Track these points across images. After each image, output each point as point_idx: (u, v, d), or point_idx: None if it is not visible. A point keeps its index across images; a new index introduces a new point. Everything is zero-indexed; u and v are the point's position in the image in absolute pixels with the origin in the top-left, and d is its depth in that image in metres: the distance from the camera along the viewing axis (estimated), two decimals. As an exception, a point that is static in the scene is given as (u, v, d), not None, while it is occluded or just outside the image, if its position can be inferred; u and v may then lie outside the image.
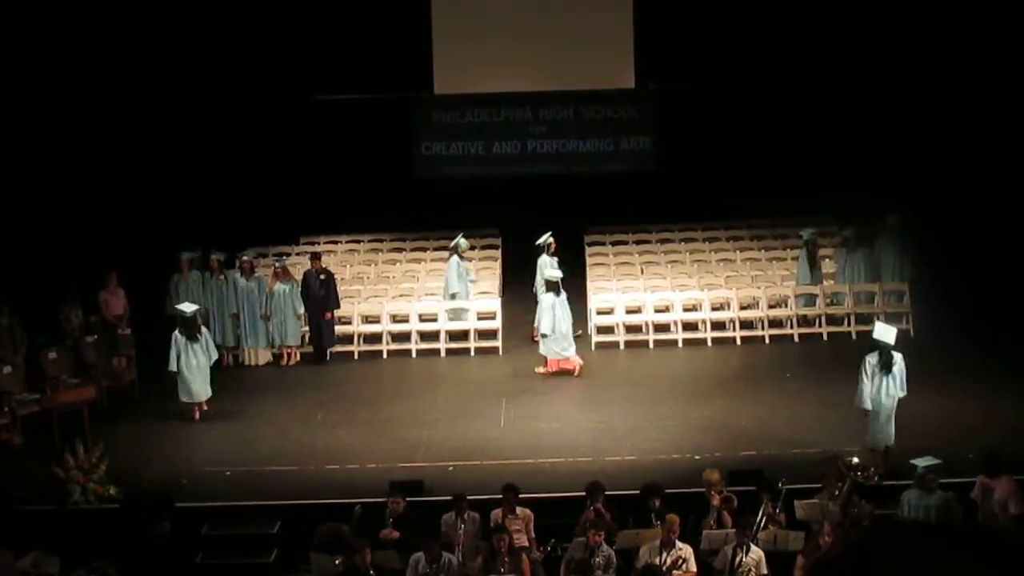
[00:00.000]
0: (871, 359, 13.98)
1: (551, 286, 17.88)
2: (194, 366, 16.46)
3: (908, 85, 21.84)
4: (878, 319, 16.53)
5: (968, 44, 21.17)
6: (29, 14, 20.64)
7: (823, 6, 21.85)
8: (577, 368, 17.77)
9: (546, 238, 19.55)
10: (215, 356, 17.11)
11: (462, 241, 19.70)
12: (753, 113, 22.88)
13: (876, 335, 14.32)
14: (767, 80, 22.51)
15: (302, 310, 18.94)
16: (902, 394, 14.03)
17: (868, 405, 13.91)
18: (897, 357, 13.99)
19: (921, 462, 12.45)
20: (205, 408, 16.61)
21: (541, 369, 18.03)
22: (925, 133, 21.57)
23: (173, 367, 16.42)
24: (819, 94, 22.28)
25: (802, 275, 19.90)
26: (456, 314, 19.40)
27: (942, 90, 21.51)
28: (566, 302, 17.79)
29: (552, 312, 17.68)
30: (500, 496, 12.60)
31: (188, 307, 17.03)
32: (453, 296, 19.51)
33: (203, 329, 17.05)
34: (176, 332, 16.63)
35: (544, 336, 17.81)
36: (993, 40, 20.99)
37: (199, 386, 16.52)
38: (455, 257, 19.61)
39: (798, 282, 19.80)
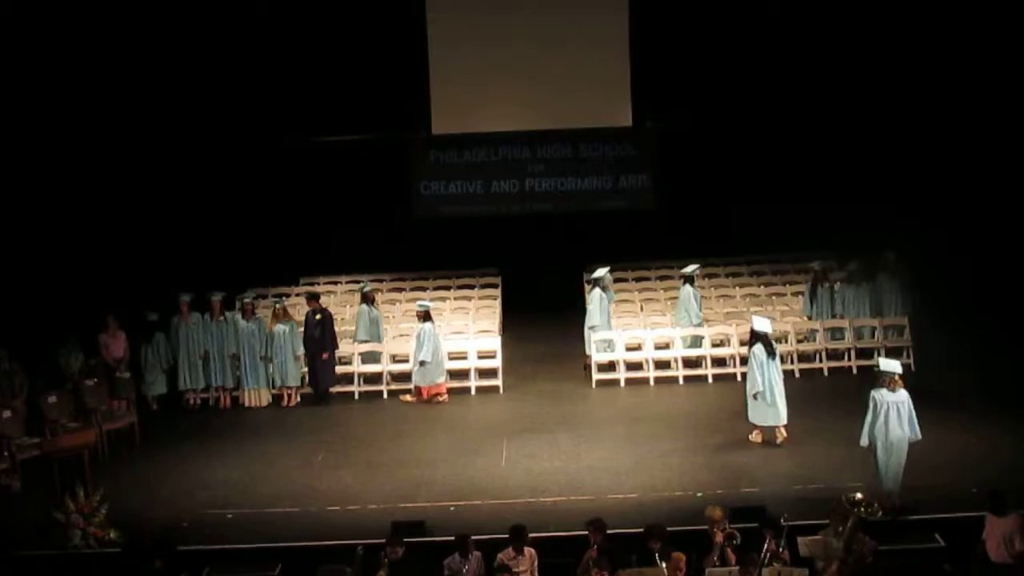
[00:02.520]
0: (757, 350, 15.97)
1: (425, 316, 18.68)
2: (151, 363, 18.79)
3: (905, 122, 21.95)
4: (754, 315, 17.88)
5: (962, 81, 21.31)
6: (32, 54, 20.74)
7: (819, 43, 21.96)
8: (446, 393, 18.73)
9: (694, 268, 19.97)
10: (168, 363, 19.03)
11: (606, 274, 19.78)
12: (751, 150, 22.99)
13: (756, 327, 16.33)
14: (764, 117, 22.61)
15: (301, 351, 18.94)
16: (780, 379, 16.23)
17: (760, 387, 15.96)
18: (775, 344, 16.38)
19: (884, 364, 14.12)
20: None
21: (410, 397, 18.73)
22: (923, 170, 21.67)
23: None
24: (816, 130, 22.39)
25: (805, 307, 20.02)
26: (604, 345, 19.45)
27: (939, 129, 21.61)
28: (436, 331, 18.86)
29: (433, 340, 18.52)
30: (505, 536, 12.52)
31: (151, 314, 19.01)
32: (592, 328, 19.48)
33: (159, 335, 18.86)
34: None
35: (423, 363, 18.51)
36: (987, 76, 21.11)
37: (158, 382, 18.92)
38: (597, 290, 19.65)
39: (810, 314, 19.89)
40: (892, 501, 13.66)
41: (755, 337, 16.23)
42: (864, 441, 13.93)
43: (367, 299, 19.92)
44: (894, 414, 13.77)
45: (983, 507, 12.22)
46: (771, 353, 16.13)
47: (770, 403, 16.06)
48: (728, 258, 22.94)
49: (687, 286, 19.81)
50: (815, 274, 20.15)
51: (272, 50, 22.40)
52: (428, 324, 18.71)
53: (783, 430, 16.16)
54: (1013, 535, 11.82)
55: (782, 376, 16.31)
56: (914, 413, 13.84)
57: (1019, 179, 20.97)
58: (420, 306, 19.12)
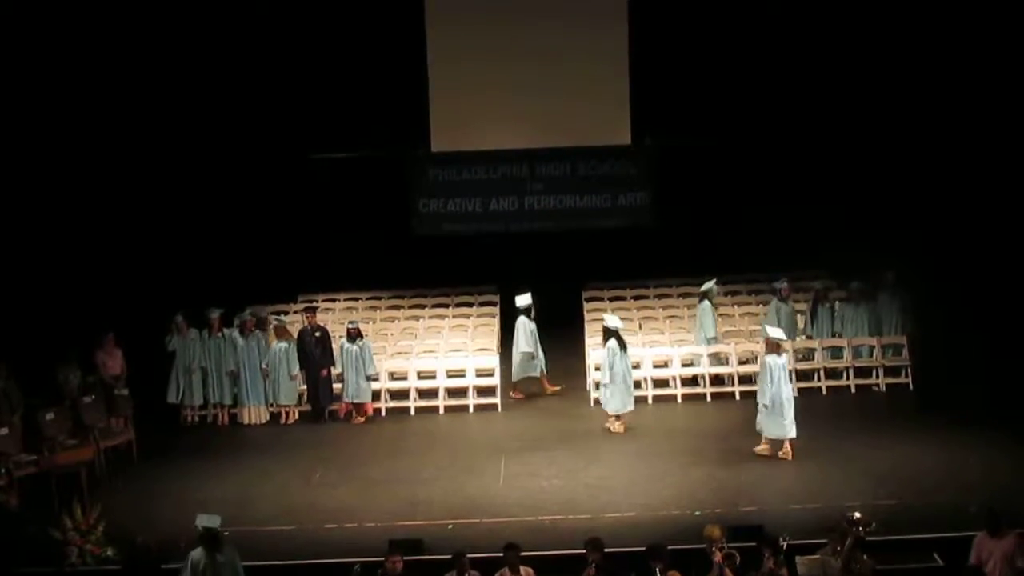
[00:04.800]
0: (612, 344, 17.72)
1: (358, 334, 19.08)
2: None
3: (905, 141, 21.98)
4: (605, 315, 19.40)
5: (961, 101, 21.34)
6: (31, 73, 20.77)
7: (819, 62, 22.01)
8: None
9: (781, 282, 20.15)
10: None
11: (714, 286, 19.94)
12: (750, 168, 23.00)
13: (608, 324, 18.12)
14: (764, 135, 22.63)
15: (296, 370, 18.93)
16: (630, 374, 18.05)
17: (608, 380, 17.66)
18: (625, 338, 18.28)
19: (771, 331, 16.85)
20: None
21: (362, 419, 18.97)
22: (923, 189, 21.68)
23: None
24: (816, 148, 22.41)
25: (806, 326, 19.99)
26: (717, 359, 19.61)
27: (939, 149, 21.64)
28: None
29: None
30: (501, 555, 12.50)
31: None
32: (712, 340, 19.67)
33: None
34: None
35: (370, 379, 19.05)
36: (984, 95, 21.15)
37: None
38: (706, 302, 19.76)
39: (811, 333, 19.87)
40: (794, 447, 16.23)
41: (608, 333, 17.96)
42: (767, 400, 16.27)
43: (527, 312, 19.79)
44: (783, 374, 16.45)
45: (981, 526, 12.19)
46: (623, 347, 17.88)
47: (622, 392, 17.71)
48: (727, 276, 22.91)
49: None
50: (816, 293, 20.17)
51: (272, 67, 22.42)
52: (365, 340, 19.08)
53: (624, 422, 17.84)
54: (1014, 555, 11.75)
55: (631, 371, 18.03)
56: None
57: (1018, 197, 20.99)
58: (351, 324, 19.25)
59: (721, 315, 21.20)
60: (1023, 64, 20.69)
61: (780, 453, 16.33)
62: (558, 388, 19.91)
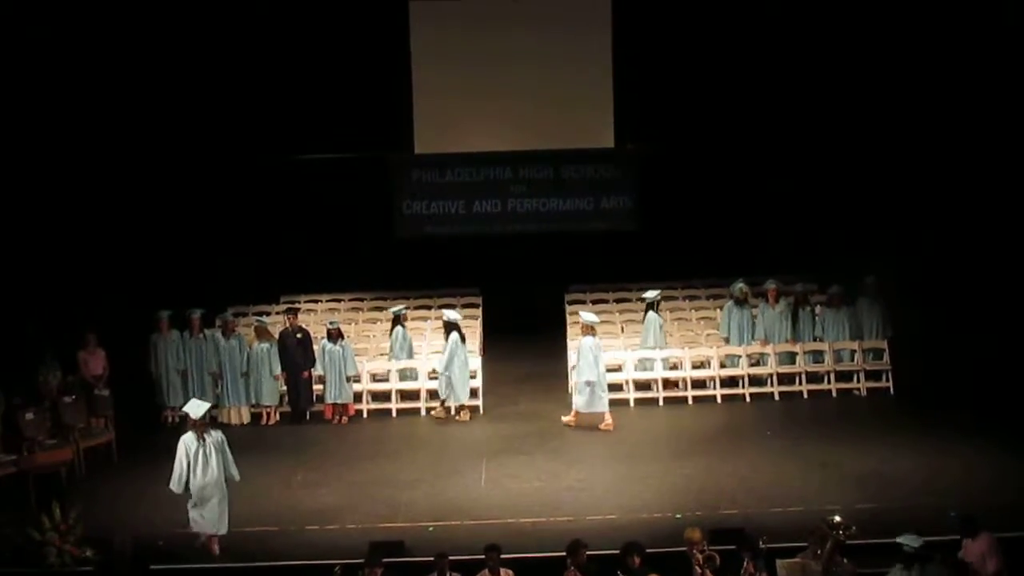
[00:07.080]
0: (454, 336, 18.65)
1: (338, 334, 19.22)
2: None
3: (885, 145, 22.08)
4: (445, 309, 20.03)
5: (939, 106, 21.44)
6: (10, 73, 20.70)
7: (801, 67, 22.10)
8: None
9: (768, 284, 20.13)
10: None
11: (740, 286, 20.00)
12: (733, 173, 23.07)
13: (447, 318, 18.93)
14: (746, 139, 22.70)
15: (278, 370, 18.89)
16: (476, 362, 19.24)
17: (445, 370, 18.62)
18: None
19: (584, 316, 18.18)
20: None
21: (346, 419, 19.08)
22: (904, 193, 21.77)
23: None
24: (798, 154, 22.50)
25: (788, 329, 20.00)
26: (731, 360, 19.63)
27: (919, 153, 21.74)
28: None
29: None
30: (482, 556, 12.50)
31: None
32: (727, 340, 19.75)
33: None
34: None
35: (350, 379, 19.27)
36: (966, 100, 21.25)
37: None
38: (731, 302, 19.87)
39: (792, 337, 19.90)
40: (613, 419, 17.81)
41: (450, 327, 18.75)
42: (586, 379, 17.68)
43: (654, 307, 19.59)
44: (598, 354, 17.84)
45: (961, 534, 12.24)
46: (463, 339, 18.83)
47: (457, 382, 18.61)
48: (708, 280, 22.97)
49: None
50: (796, 297, 20.20)
51: (254, 67, 22.40)
52: (345, 341, 19.25)
53: (467, 410, 18.79)
54: (986, 556, 11.86)
55: (467, 361, 18.88)
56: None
57: (998, 201, 21.10)
58: (331, 324, 19.27)
59: (702, 318, 21.20)
60: (999, 70, 20.80)
61: (602, 426, 17.84)
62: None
